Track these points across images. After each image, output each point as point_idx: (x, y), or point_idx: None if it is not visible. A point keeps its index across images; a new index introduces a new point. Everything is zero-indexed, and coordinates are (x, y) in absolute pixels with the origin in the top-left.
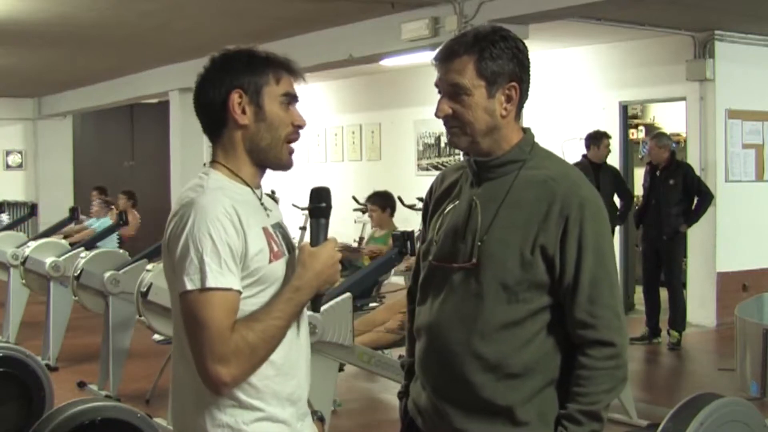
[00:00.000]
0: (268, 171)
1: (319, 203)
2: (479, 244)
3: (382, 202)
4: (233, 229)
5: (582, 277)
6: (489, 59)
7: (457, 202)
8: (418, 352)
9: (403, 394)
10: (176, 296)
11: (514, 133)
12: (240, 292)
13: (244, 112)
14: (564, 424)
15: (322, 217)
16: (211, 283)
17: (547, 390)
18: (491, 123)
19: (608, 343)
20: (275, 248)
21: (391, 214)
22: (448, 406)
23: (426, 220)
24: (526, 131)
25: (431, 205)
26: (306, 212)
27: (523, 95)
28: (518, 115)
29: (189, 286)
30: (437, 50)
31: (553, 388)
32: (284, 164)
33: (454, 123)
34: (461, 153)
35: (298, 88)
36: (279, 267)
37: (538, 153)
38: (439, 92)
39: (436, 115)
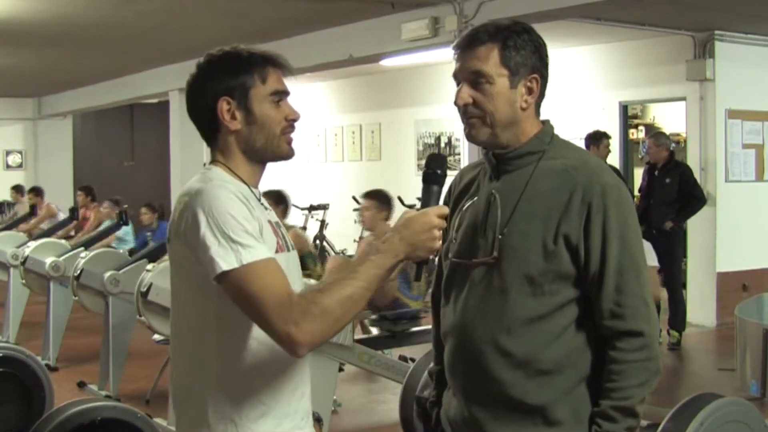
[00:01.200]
0: (268, 170)
1: (433, 169)
2: (500, 237)
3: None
4: (248, 212)
5: (608, 266)
6: (513, 48)
7: (475, 198)
8: (447, 356)
9: (435, 404)
10: (188, 284)
11: (533, 127)
12: (275, 259)
13: (234, 117)
14: (598, 422)
15: (435, 184)
16: (247, 258)
17: (580, 387)
18: (511, 115)
19: (637, 333)
20: (279, 242)
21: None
22: (477, 410)
23: (446, 220)
24: (545, 123)
25: (450, 205)
26: (306, 212)
27: (543, 90)
28: (537, 110)
29: (225, 267)
30: (457, 40)
31: (585, 385)
32: (285, 155)
33: (475, 113)
34: (461, 154)
35: (298, 86)
36: (282, 259)
37: (557, 144)
38: (458, 83)
39: (456, 103)
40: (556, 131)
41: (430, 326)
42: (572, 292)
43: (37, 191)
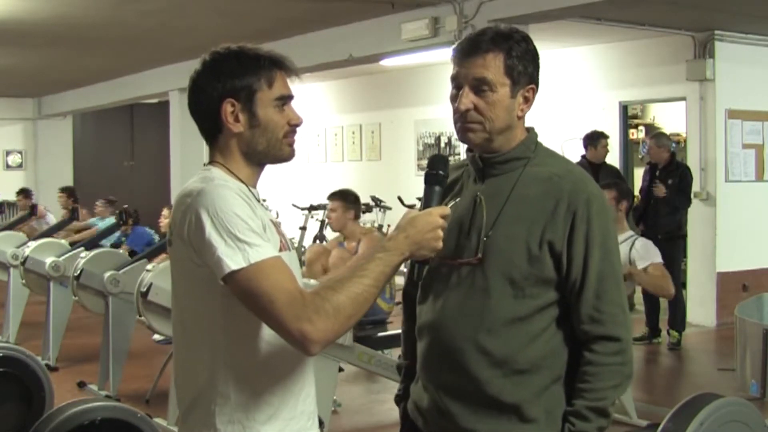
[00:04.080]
0: (267, 170)
1: (436, 170)
2: (485, 239)
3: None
4: (251, 211)
5: (589, 273)
6: (516, 58)
7: (458, 199)
8: (421, 351)
9: (401, 398)
10: (193, 286)
11: (521, 132)
12: (281, 258)
13: (237, 120)
14: (571, 420)
15: (436, 185)
16: (255, 257)
17: (554, 387)
18: (508, 122)
19: (614, 338)
20: (282, 240)
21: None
22: (453, 405)
23: None
24: (530, 130)
25: None
26: (306, 212)
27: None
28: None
29: (234, 266)
30: (459, 42)
31: (560, 385)
32: (285, 158)
33: (475, 118)
34: (461, 155)
35: (297, 86)
36: (285, 258)
37: (542, 151)
38: (455, 87)
39: (457, 107)
40: (557, 131)
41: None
42: (552, 295)
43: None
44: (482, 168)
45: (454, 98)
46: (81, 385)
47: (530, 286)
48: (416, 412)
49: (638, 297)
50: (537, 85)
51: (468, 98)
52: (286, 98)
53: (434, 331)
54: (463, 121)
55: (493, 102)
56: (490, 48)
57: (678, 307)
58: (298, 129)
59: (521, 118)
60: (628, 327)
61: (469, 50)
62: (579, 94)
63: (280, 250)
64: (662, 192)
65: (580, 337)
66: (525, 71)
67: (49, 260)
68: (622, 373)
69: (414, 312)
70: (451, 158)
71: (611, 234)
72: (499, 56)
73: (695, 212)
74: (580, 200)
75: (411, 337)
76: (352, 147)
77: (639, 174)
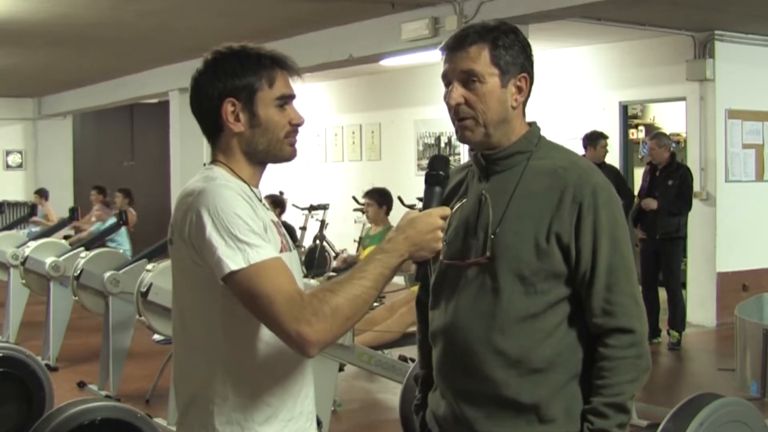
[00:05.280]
0: (268, 170)
1: (436, 171)
2: (492, 237)
3: (379, 199)
4: (252, 211)
5: (598, 264)
6: (502, 48)
7: (465, 200)
8: (436, 357)
9: (420, 407)
10: (192, 286)
11: (522, 127)
12: (281, 259)
13: (238, 119)
14: (590, 418)
15: (437, 185)
16: (255, 258)
17: (571, 385)
18: (503, 113)
19: (628, 330)
20: (282, 241)
21: (387, 212)
22: (470, 411)
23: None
24: (532, 124)
25: None
26: (306, 212)
27: (529, 91)
28: (524, 111)
29: (234, 267)
30: (445, 41)
31: (577, 382)
32: (287, 158)
33: (467, 113)
34: (461, 155)
35: (297, 86)
36: (285, 258)
37: (545, 145)
38: (446, 84)
39: (448, 102)
40: (557, 131)
41: None
42: (564, 290)
43: (101, 189)
44: (485, 165)
45: (447, 96)
46: (81, 385)
47: (541, 282)
48: (433, 420)
49: None
50: (531, 75)
51: (457, 92)
52: (287, 98)
53: (447, 336)
54: (456, 117)
55: (483, 93)
56: (474, 41)
57: (678, 307)
58: (299, 130)
59: (517, 109)
60: (641, 318)
61: (454, 46)
62: (579, 94)
63: (281, 250)
64: (653, 205)
65: (594, 332)
66: (514, 61)
67: (49, 260)
68: (639, 366)
69: (427, 318)
70: (451, 158)
71: (620, 224)
72: (484, 47)
73: (695, 212)
74: (586, 191)
75: (426, 346)
76: (352, 147)
77: (639, 174)
